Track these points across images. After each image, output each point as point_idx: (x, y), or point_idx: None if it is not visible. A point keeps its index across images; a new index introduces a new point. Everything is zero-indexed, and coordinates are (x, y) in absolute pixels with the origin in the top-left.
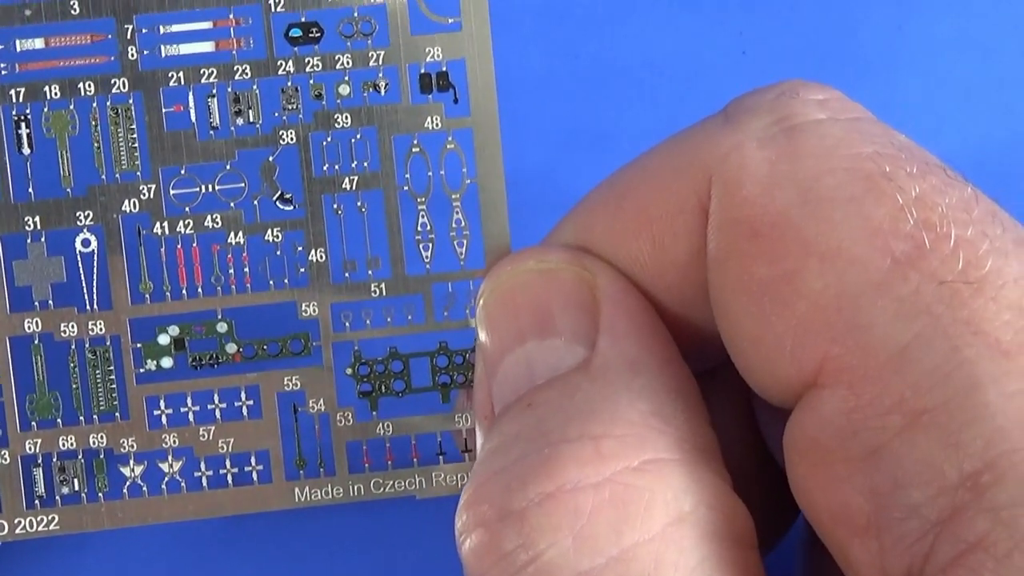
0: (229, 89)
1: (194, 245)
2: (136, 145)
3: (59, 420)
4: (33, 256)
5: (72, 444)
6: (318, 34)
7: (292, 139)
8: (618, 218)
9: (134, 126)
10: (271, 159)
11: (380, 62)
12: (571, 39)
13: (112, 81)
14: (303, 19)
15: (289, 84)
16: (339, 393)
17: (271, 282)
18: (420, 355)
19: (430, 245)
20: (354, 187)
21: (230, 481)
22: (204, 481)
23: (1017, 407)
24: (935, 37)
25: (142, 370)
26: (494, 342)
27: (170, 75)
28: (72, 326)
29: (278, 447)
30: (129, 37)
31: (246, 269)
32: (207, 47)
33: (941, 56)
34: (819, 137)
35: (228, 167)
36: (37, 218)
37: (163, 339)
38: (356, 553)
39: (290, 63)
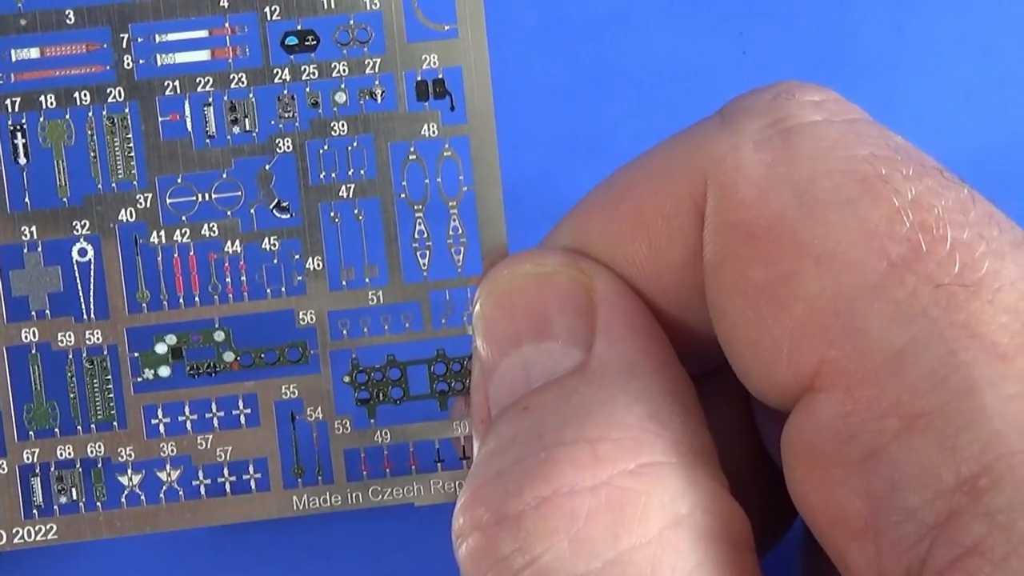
0: (225, 98)
1: (191, 254)
2: (132, 154)
3: (57, 430)
4: (30, 266)
5: (70, 453)
6: (314, 42)
7: (289, 147)
8: (614, 221)
9: (130, 135)
10: (268, 167)
11: (376, 69)
12: (568, 43)
13: (108, 90)
14: (299, 27)
15: (285, 92)
16: (337, 401)
17: (268, 290)
18: (418, 363)
19: (427, 252)
20: (351, 195)
21: (228, 489)
22: (202, 490)
23: (1014, 410)
24: (935, 37)
25: (139, 379)
26: (490, 345)
27: (166, 84)
28: (69, 335)
29: (276, 455)
30: (125, 46)
31: (243, 277)
32: (203, 56)
33: (941, 56)
34: (815, 139)
35: (224, 176)
36: (34, 228)
37: (160, 348)
38: (354, 561)
39: (286, 71)
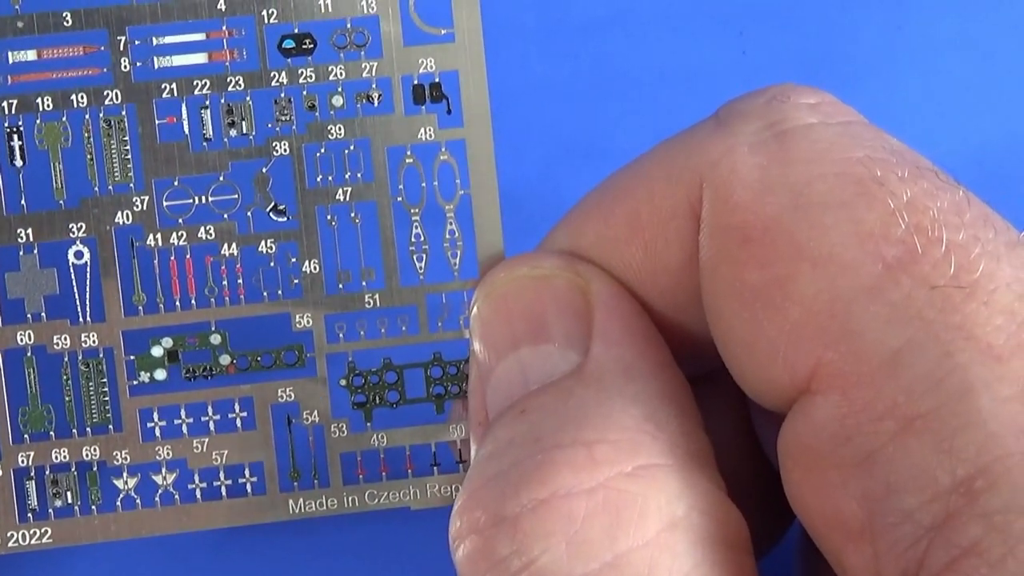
0: (222, 100)
1: (187, 257)
2: (129, 157)
3: (52, 433)
4: (25, 268)
5: (65, 457)
6: (311, 45)
7: (285, 150)
8: (610, 224)
9: (127, 138)
10: (264, 170)
11: (373, 73)
12: (566, 46)
13: (105, 93)
14: (296, 30)
15: (282, 95)
16: (333, 404)
17: (265, 293)
18: (414, 366)
19: (424, 256)
20: (348, 198)
21: (224, 493)
22: (198, 493)
23: (1010, 412)
24: (935, 37)
25: (135, 382)
26: (487, 348)
27: (163, 86)
28: (65, 338)
29: (272, 459)
30: (122, 49)
31: (239, 280)
32: (200, 58)
33: (941, 56)
34: (810, 141)
35: (221, 178)
36: (30, 230)
37: (156, 351)
38: (351, 564)
39: (283, 74)
